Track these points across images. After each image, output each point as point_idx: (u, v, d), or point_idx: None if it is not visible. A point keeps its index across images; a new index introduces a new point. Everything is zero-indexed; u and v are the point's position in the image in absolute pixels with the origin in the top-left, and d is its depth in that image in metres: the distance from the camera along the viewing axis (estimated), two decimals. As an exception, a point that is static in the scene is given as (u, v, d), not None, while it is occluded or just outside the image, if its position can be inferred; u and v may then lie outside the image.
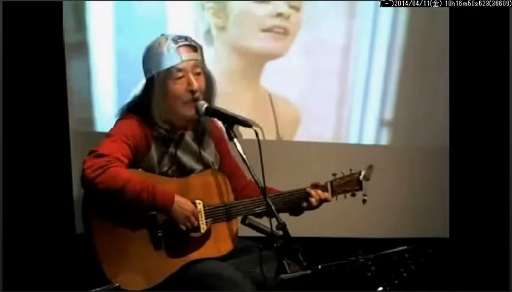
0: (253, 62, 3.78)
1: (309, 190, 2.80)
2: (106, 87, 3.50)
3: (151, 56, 2.64)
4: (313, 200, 2.79)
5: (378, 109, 4.05)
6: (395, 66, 4.03)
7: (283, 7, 3.84)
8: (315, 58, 3.90)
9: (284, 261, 2.32)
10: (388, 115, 4.05)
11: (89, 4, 3.40)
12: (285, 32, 3.84)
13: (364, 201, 2.87)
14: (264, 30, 3.81)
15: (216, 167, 2.78)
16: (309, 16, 3.84)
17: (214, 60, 3.56)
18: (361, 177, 2.89)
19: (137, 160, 2.60)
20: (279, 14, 3.82)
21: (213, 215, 2.64)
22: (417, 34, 4.04)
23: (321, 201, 2.81)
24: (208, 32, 3.67)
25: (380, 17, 3.99)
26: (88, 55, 3.42)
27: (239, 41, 3.70)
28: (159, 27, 3.32)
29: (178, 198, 2.54)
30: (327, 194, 2.82)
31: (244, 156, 2.47)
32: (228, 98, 3.43)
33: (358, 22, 3.95)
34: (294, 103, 3.90)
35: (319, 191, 2.81)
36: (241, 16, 3.73)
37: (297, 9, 3.88)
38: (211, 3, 3.65)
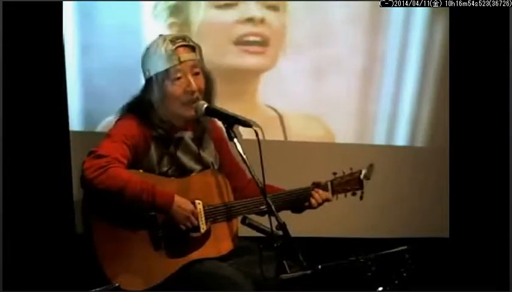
0: (232, 81, 3.29)
1: (311, 191, 2.80)
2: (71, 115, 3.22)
3: (149, 57, 2.63)
4: (314, 201, 2.79)
5: (406, 137, 3.93)
6: (427, 92, 3.85)
7: (254, 9, 3.22)
8: (328, 80, 3.58)
9: (284, 261, 2.32)
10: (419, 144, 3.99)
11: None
12: (264, 42, 3.28)
13: (361, 197, 2.87)
14: (236, 43, 3.26)
15: (216, 167, 2.78)
16: (319, 29, 3.52)
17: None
18: (362, 176, 2.89)
19: (137, 160, 2.59)
20: (249, 20, 3.24)
21: (213, 215, 2.64)
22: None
23: (323, 201, 2.82)
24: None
25: (411, 34, 3.66)
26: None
27: (208, 57, 2.83)
28: (131, 47, 3.01)
29: (178, 198, 2.54)
30: (328, 195, 2.83)
31: (244, 156, 2.47)
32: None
33: (383, 40, 3.60)
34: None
35: (320, 192, 2.81)
36: (205, 25, 3.20)
37: (275, 8, 3.32)
38: (172, 19, 3.25)
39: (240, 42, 3.29)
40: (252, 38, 3.26)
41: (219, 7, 3.28)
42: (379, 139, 3.88)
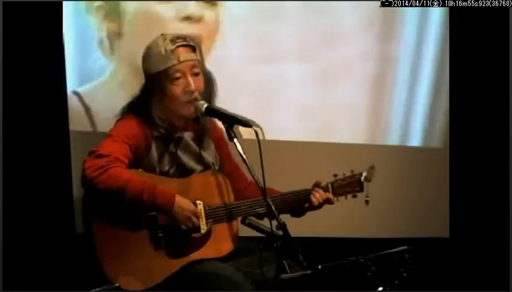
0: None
1: (311, 191, 2.80)
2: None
3: (149, 56, 2.64)
4: (314, 200, 2.79)
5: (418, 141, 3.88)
6: (443, 99, 3.82)
7: (192, 6, 3.12)
8: (334, 87, 3.52)
9: (284, 261, 2.32)
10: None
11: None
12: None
13: (367, 202, 2.87)
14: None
15: (217, 168, 2.78)
16: (326, 33, 3.45)
17: (110, 79, 2.76)
18: (362, 178, 2.89)
19: (138, 160, 2.60)
20: (187, 18, 3.14)
21: (213, 215, 2.64)
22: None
23: (324, 202, 2.81)
24: (101, 41, 3.07)
25: (426, 41, 3.61)
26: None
27: (138, 54, 2.67)
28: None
29: (179, 199, 2.53)
30: (329, 195, 2.82)
31: (244, 156, 2.47)
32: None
33: (395, 46, 3.53)
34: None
35: (321, 191, 2.81)
36: (139, 18, 3.01)
37: (213, 4, 3.23)
38: (99, 2, 3.03)
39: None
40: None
41: None
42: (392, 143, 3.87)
